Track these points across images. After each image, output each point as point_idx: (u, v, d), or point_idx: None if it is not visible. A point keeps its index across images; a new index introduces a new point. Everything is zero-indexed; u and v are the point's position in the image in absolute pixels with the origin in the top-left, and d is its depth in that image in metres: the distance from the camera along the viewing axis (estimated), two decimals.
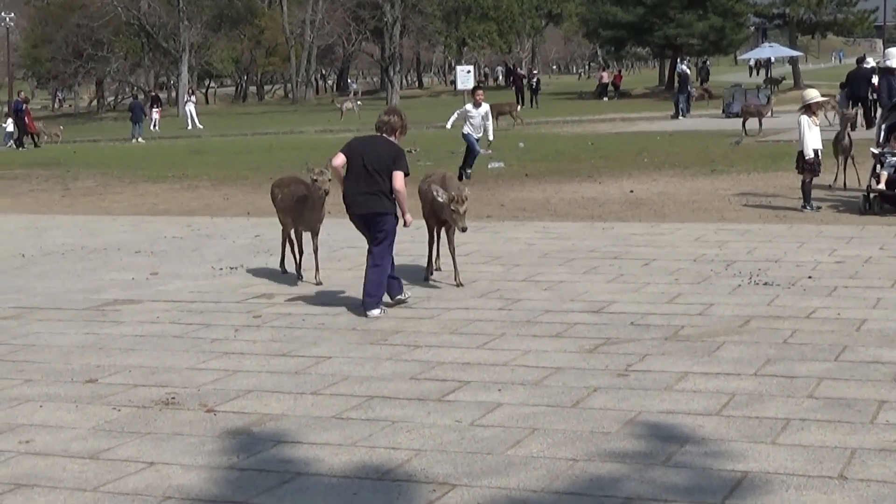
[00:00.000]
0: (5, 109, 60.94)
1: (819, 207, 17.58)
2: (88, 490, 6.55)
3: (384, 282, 11.19)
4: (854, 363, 8.57)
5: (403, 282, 11.74)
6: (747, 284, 11.93)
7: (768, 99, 44.16)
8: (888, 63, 20.43)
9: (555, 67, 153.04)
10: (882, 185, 17.02)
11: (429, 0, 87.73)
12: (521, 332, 10.12)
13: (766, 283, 11.91)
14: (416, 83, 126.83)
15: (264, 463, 6.87)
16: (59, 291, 13.13)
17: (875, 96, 28.84)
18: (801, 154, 17.37)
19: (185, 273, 14.13)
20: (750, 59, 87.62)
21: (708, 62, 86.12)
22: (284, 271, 13.57)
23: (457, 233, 12.34)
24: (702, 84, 69.52)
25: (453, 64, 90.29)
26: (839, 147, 19.87)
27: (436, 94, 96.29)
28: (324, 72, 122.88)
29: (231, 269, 14.32)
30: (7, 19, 69.22)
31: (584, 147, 33.31)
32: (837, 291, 11.40)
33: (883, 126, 18.07)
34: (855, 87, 33.14)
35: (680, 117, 49.10)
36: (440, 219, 12.50)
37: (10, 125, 50.73)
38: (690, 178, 23.33)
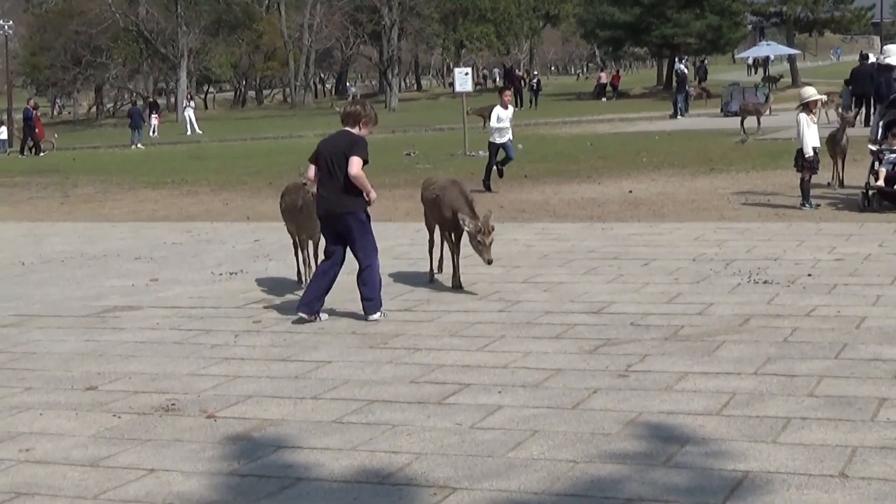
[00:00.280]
0: (4, 117, 60.90)
1: (818, 205, 17.57)
2: (89, 498, 6.54)
3: (377, 282, 11.01)
4: (854, 361, 8.56)
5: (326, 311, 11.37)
6: (747, 283, 11.92)
7: (766, 97, 44.22)
8: (888, 60, 20.37)
9: (553, 68, 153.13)
10: (881, 182, 17.03)
11: (426, 3, 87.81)
12: (521, 334, 10.11)
13: (765, 282, 11.90)
14: (415, 86, 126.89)
15: (265, 468, 6.86)
16: (59, 299, 13.13)
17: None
18: (799, 152, 17.37)
19: (184, 279, 14.13)
20: (748, 57, 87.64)
21: (706, 61, 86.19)
22: (301, 281, 13.15)
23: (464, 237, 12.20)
24: (700, 83, 69.56)
25: (451, 66, 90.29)
26: (837, 147, 19.84)
27: (434, 97, 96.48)
28: (322, 75, 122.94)
29: (231, 274, 14.31)
30: (6, 27, 69.21)
31: (583, 148, 33.34)
32: (837, 289, 11.40)
33: (880, 123, 18.06)
34: (860, 85, 33.08)
35: (678, 117, 49.14)
36: (444, 223, 12.39)
37: (3, 132, 50.84)
38: (689, 177, 23.34)
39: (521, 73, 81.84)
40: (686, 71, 55.46)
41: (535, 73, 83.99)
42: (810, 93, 17.75)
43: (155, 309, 12.21)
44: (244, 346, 10.22)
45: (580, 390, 8.14)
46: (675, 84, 54.81)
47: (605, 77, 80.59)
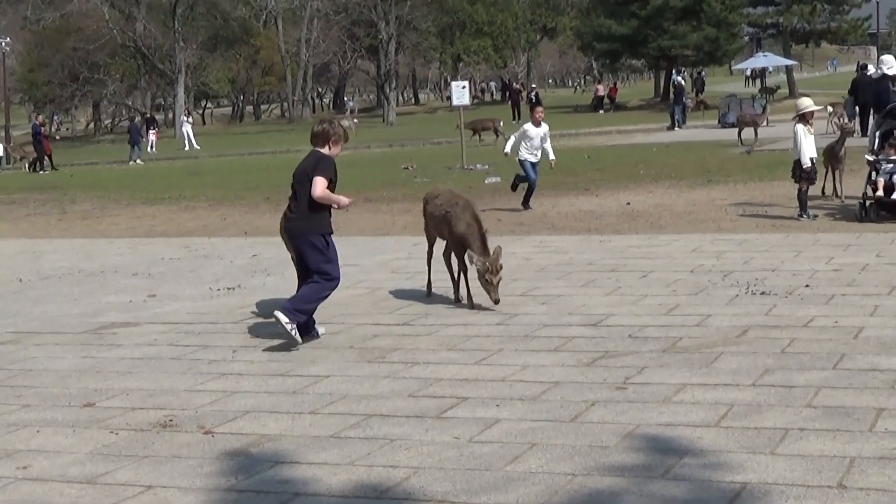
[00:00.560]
0: (2, 133, 60.96)
1: (815, 216, 17.58)
2: None
3: (311, 300, 10.52)
4: (852, 371, 8.56)
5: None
6: (745, 294, 11.92)
7: (763, 108, 44.28)
8: (889, 70, 20.30)
9: (550, 81, 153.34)
10: (880, 192, 17.03)
11: (423, 17, 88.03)
12: (518, 347, 10.10)
13: (763, 293, 11.90)
14: (413, 100, 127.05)
15: (263, 484, 6.85)
16: (57, 315, 13.12)
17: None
18: (796, 163, 17.39)
19: (182, 294, 14.12)
20: (746, 69, 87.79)
21: (703, 73, 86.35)
22: None
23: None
24: (697, 95, 69.68)
25: (449, 80, 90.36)
26: (835, 158, 19.73)
27: (432, 111, 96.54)
28: (320, 90, 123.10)
29: (229, 289, 14.31)
30: (3, 44, 69.31)
31: (581, 160, 33.35)
32: (835, 299, 11.39)
33: (877, 133, 18.07)
34: (862, 94, 33.11)
35: (676, 128, 49.19)
36: (452, 241, 12.22)
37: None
38: (687, 189, 23.35)
39: (518, 87, 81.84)
40: (683, 83, 55.53)
41: (533, 86, 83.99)
42: (807, 104, 17.75)
43: (153, 325, 12.20)
44: (242, 362, 10.20)
45: (578, 403, 8.13)
46: (672, 96, 54.89)
47: (602, 89, 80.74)
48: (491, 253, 11.65)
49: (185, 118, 66.03)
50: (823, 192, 19.80)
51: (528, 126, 21.12)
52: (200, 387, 9.35)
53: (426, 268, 13.06)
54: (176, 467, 7.25)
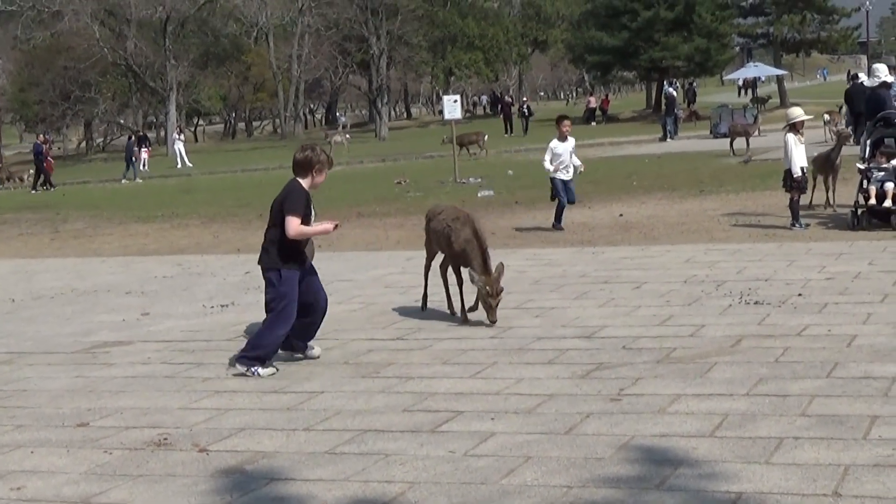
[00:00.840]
0: None
1: (808, 225, 17.59)
2: None
3: (265, 342, 10.23)
4: (846, 379, 8.56)
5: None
6: (738, 304, 11.92)
7: (755, 118, 44.34)
8: (887, 78, 20.21)
9: (542, 94, 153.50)
10: (872, 201, 17.05)
11: (414, 31, 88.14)
12: (513, 360, 10.10)
13: (756, 302, 11.90)
14: (405, 114, 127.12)
15: (258, 501, 6.84)
16: (50, 335, 13.10)
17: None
18: (787, 172, 17.40)
19: (175, 312, 14.10)
20: (738, 79, 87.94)
21: (694, 84, 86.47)
22: None
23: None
24: (689, 106, 69.79)
25: (441, 94, 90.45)
26: (830, 166, 19.64)
27: (424, 125, 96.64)
28: (312, 106, 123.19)
29: (222, 306, 14.29)
30: None
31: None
32: (828, 308, 11.40)
33: (868, 141, 18.08)
34: (857, 104, 33.18)
35: (668, 139, 49.27)
36: (454, 257, 12.11)
37: None
38: (679, 199, 23.37)
39: (510, 100, 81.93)
40: (675, 94, 55.64)
41: (525, 98, 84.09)
42: (797, 113, 17.77)
43: (146, 343, 12.18)
44: (236, 379, 10.18)
45: (573, 415, 8.12)
46: (664, 107, 54.97)
47: (594, 101, 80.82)
48: (493, 271, 11.61)
49: (177, 136, 66.07)
50: (811, 204, 19.69)
51: (555, 142, 19.84)
52: (194, 405, 9.33)
53: (423, 281, 13.04)
54: (170, 486, 7.23)
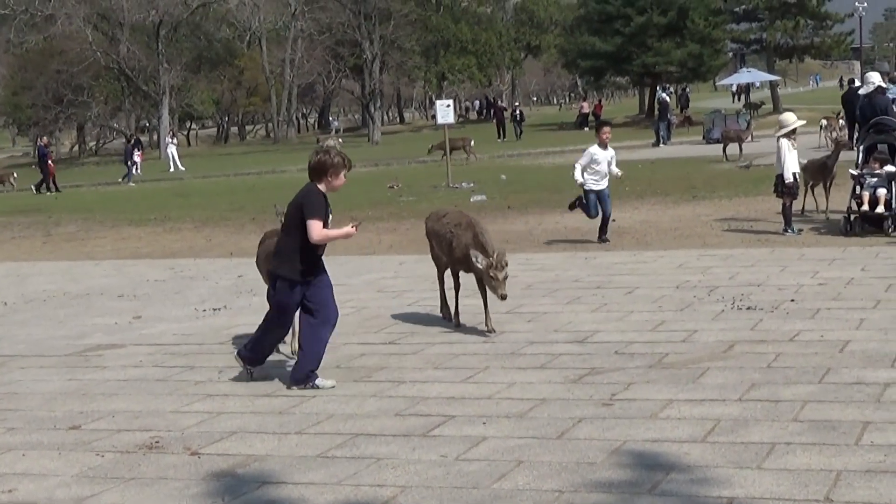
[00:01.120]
0: None
1: (800, 230, 17.61)
2: None
3: (260, 347, 10.04)
4: (838, 385, 8.57)
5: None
6: (730, 310, 11.93)
7: (748, 124, 44.41)
8: (879, 83, 20.14)
9: (535, 99, 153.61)
10: (865, 206, 17.07)
11: (408, 36, 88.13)
12: (505, 365, 10.10)
13: (749, 308, 11.91)
14: (398, 119, 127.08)
15: None
16: (42, 338, 13.08)
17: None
18: (778, 178, 17.40)
19: (168, 316, 14.09)
20: (732, 84, 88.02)
21: (687, 89, 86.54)
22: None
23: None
24: (682, 111, 69.85)
25: (434, 98, 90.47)
26: (827, 172, 19.59)
27: (417, 129, 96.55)
28: (305, 110, 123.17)
29: (214, 310, 14.28)
30: None
31: (566, 178, 33.24)
32: (820, 314, 11.41)
33: (860, 147, 18.11)
34: (850, 109, 33.24)
35: (661, 145, 49.32)
36: (456, 263, 11.86)
37: None
38: (672, 205, 23.39)
39: (503, 105, 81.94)
40: (668, 99, 55.73)
41: (518, 104, 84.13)
42: (791, 119, 17.76)
43: (138, 346, 12.17)
44: (228, 382, 10.18)
45: (565, 420, 8.12)
46: (657, 112, 55.00)
47: (587, 107, 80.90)
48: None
49: (170, 140, 65.99)
50: (803, 210, 19.68)
51: (595, 149, 18.19)
52: (186, 408, 9.32)
53: (419, 286, 12.95)
54: (162, 489, 7.22)
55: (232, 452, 7.92)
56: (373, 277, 16.13)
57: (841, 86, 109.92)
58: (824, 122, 39.26)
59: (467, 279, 11.84)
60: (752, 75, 72.45)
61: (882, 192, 17.02)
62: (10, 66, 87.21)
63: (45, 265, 20.81)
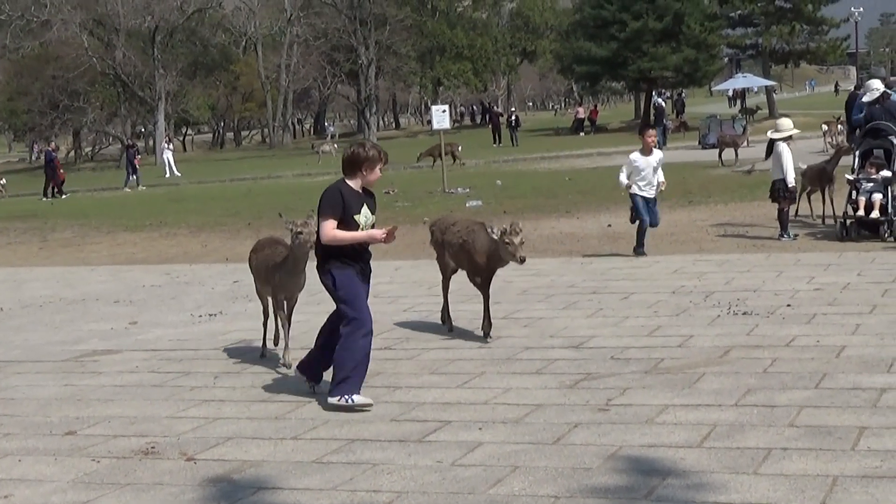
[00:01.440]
0: None
1: (796, 236, 17.61)
2: None
3: (350, 356, 9.03)
4: (834, 390, 8.57)
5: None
6: (726, 315, 11.93)
7: (744, 129, 44.39)
8: (882, 89, 20.06)
9: (531, 104, 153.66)
10: (860, 212, 17.08)
11: (403, 41, 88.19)
12: (501, 370, 10.09)
13: (745, 313, 11.91)
14: (393, 124, 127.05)
15: None
16: (38, 344, 13.07)
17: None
18: (775, 183, 17.40)
19: (164, 321, 14.08)
20: (728, 90, 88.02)
21: (683, 94, 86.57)
22: (263, 354, 11.55)
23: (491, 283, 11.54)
24: (678, 116, 69.86)
25: (429, 104, 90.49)
26: (826, 177, 19.54)
27: (413, 135, 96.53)
28: (300, 116, 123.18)
29: (210, 315, 14.27)
30: None
31: (562, 183, 33.38)
32: (816, 319, 11.41)
33: (857, 153, 18.11)
34: (851, 114, 33.20)
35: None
36: (475, 269, 11.61)
37: None
38: (668, 210, 23.35)
39: (498, 110, 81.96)
40: (664, 104, 55.76)
41: (513, 109, 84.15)
42: (787, 125, 17.79)
43: (134, 352, 12.16)
44: (224, 388, 10.17)
45: (561, 425, 8.12)
46: (652, 118, 55.01)
47: (582, 112, 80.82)
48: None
49: (166, 145, 65.97)
50: (796, 215, 19.68)
51: (636, 156, 17.22)
52: (182, 413, 9.32)
53: (413, 292, 12.97)
54: (158, 495, 7.22)
55: (228, 458, 7.91)
56: None
57: (836, 91, 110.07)
58: (825, 126, 39.28)
59: (465, 284, 11.83)
60: (747, 80, 72.41)
61: (878, 197, 17.03)
62: (5, 71, 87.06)
63: (41, 271, 20.79)
